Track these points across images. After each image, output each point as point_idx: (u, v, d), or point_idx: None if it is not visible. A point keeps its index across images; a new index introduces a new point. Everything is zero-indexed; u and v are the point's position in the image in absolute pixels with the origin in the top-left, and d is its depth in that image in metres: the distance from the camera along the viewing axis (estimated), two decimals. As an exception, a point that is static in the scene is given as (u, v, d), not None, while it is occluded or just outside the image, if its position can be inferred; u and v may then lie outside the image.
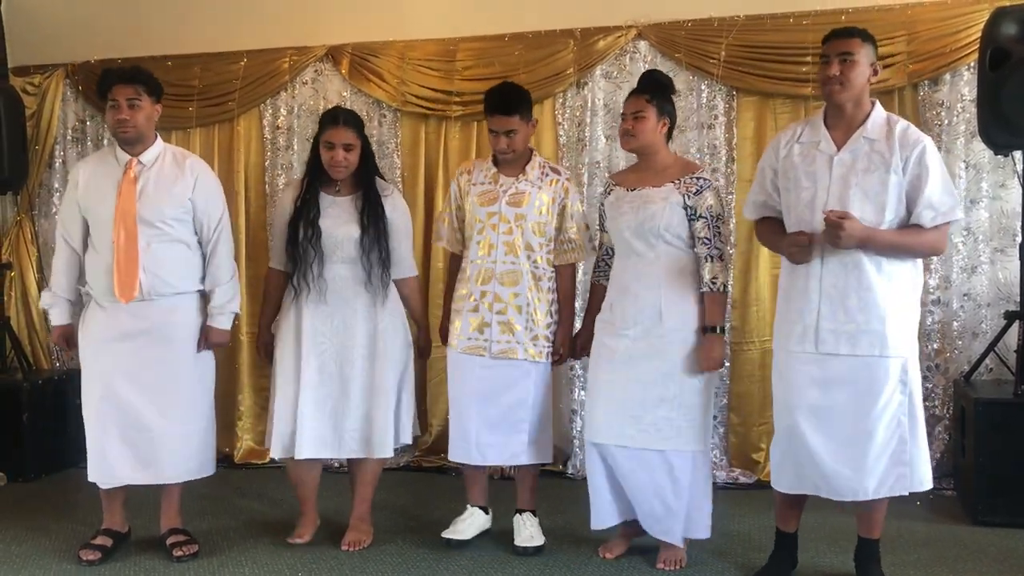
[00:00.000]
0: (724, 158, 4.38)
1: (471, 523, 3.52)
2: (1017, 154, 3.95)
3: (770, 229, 3.06)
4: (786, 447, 2.98)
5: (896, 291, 2.82)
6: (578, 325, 3.56)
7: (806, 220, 2.87)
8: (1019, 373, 3.75)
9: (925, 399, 4.18)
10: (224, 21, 4.93)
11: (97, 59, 4.91)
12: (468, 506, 3.57)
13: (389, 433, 3.46)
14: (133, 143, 3.33)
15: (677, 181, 3.18)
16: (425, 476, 4.39)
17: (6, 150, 4.64)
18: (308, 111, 4.74)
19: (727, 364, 4.37)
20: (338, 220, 3.40)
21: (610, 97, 4.48)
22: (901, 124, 2.85)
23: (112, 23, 5.03)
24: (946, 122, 4.16)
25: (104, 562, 3.38)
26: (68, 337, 3.45)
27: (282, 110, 4.84)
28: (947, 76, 4.16)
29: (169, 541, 3.46)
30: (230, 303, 3.45)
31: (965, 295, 4.19)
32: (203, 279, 3.43)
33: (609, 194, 3.33)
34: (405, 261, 3.54)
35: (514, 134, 3.34)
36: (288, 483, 3.67)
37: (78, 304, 3.46)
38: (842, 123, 2.88)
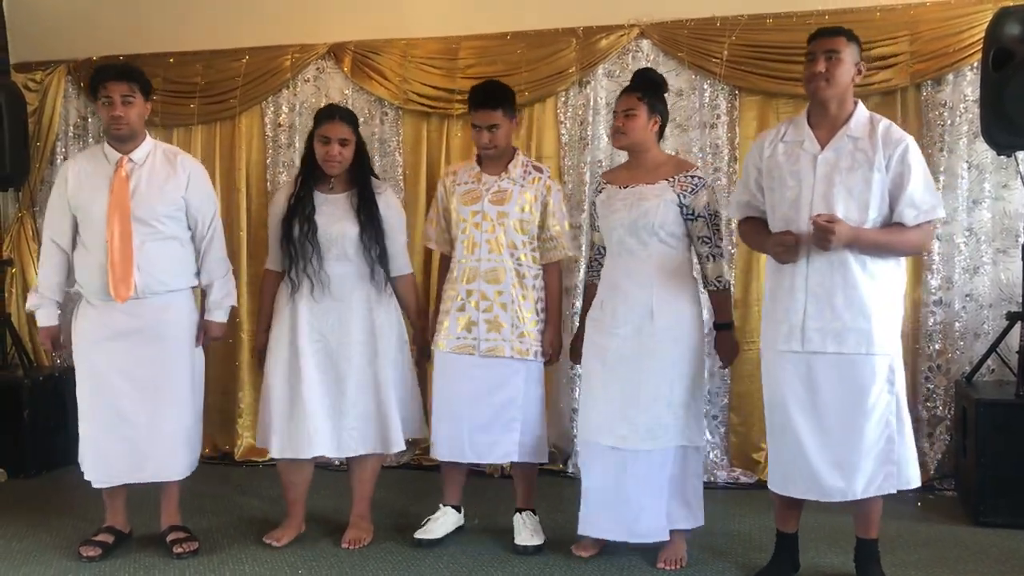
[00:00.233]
0: (727, 157, 4.38)
1: (443, 523, 3.54)
2: (1020, 154, 3.95)
3: (754, 229, 3.06)
4: (776, 447, 3.00)
5: (880, 289, 2.84)
6: (577, 324, 3.56)
7: (791, 219, 2.88)
8: (1021, 374, 3.75)
9: (927, 400, 4.22)
10: (226, 18, 4.93)
11: (99, 56, 4.91)
12: (440, 505, 3.58)
13: (398, 428, 3.46)
14: (126, 140, 3.33)
15: (671, 179, 3.19)
16: (425, 475, 4.38)
17: (8, 146, 4.64)
18: (310, 109, 4.72)
19: (728, 364, 4.37)
20: (332, 218, 3.40)
21: (612, 96, 4.46)
22: (884, 123, 2.87)
23: (114, 20, 5.03)
24: (949, 122, 4.15)
25: (104, 559, 3.39)
26: (55, 339, 3.44)
27: (284, 108, 4.83)
28: (950, 76, 4.15)
29: (169, 538, 3.46)
30: (227, 297, 3.49)
31: (967, 296, 4.18)
32: (195, 276, 3.44)
33: (600, 192, 3.33)
34: (399, 258, 3.53)
35: (496, 129, 3.37)
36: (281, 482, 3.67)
37: (64, 304, 3.46)
38: (826, 122, 2.90)
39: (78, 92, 5.07)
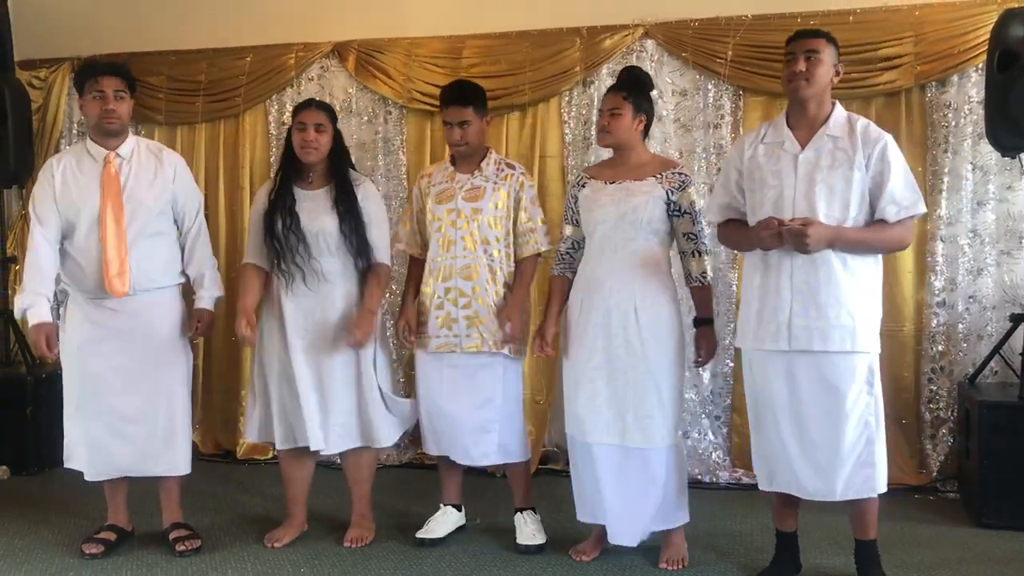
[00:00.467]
0: (730, 158, 4.37)
1: (443, 522, 3.55)
2: (1024, 156, 3.95)
3: (736, 228, 3.07)
4: (760, 444, 3.02)
5: (861, 287, 2.86)
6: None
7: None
8: (1024, 376, 3.75)
9: (930, 401, 4.22)
10: (230, 17, 4.94)
11: (103, 54, 4.90)
12: (441, 505, 3.59)
13: (384, 422, 3.46)
14: (117, 135, 3.35)
15: (659, 176, 3.20)
16: (427, 473, 4.38)
17: (12, 144, 4.65)
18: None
19: (730, 364, 4.38)
20: (312, 214, 3.41)
21: (616, 96, 4.47)
22: (862, 122, 2.90)
23: (118, 18, 5.05)
24: (953, 124, 4.15)
25: (107, 556, 3.39)
26: (50, 336, 3.28)
27: (288, 106, 4.82)
28: (955, 78, 4.15)
29: (172, 536, 3.46)
30: (217, 288, 3.55)
31: (971, 297, 4.18)
32: (182, 273, 3.47)
33: (583, 187, 3.32)
34: (379, 249, 3.51)
35: (467, 125, 3.40)
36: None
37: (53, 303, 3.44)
38: (805, 123, 2.92)
39: (82, 90, 5.07)
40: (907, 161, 4.07)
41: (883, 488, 2.89)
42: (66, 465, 3.40)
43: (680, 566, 3.24)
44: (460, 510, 3.63)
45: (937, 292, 4.19)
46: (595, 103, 4.48)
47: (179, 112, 4.93)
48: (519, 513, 3.50)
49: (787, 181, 2.87)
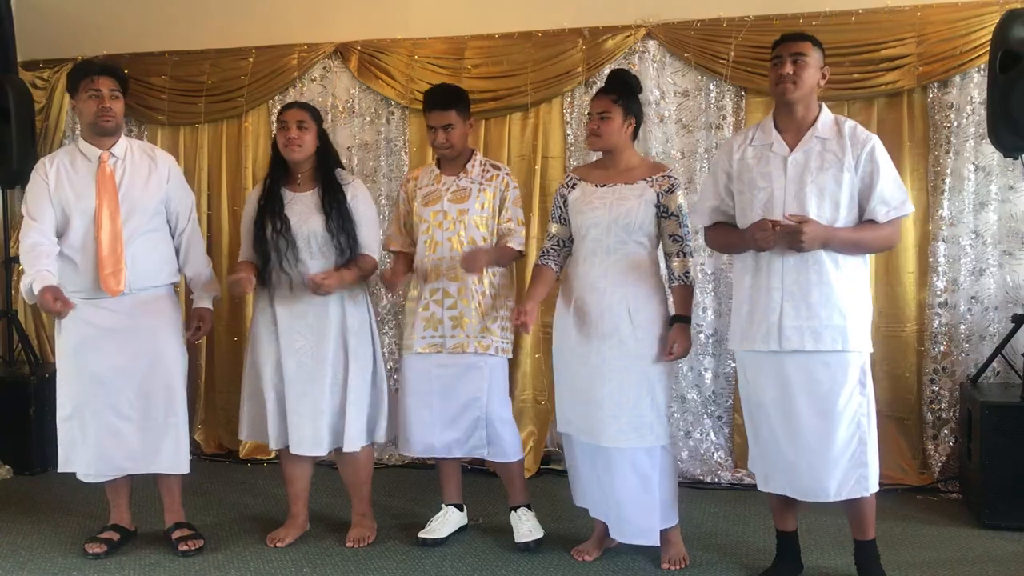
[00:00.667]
0: (732, 158, 4.37)
1: (445, 522, 3.56)
2: (1026, 157, 3.94)
3: (725, 230, 3.08)
4: (756, 445, 3.05)
5: (851, 287, 2.87)
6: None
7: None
8: (1026, 376, 3.75)
9: (932, 402, 4.22)
10: (233, 17, 4.94)
11: (106, 54, 4.91)
12: (443, 505, 3.60)
13: (360, 428, 3.46)
14: (112, 134, 3.36)
15: (649, 179, 3.21)
16: (429, 473, 4.38)
17: (15, 144, 4.65)
18: (317, 108, 4.72)
19: (732, 364, 4.37)
20: (301, 216, 3.42)
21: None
22: (849, 123, 2.92)
23: (121, 19, 5.05)
24: (955, 124, 4.15)
25: (110, 556, 3.40)
26: (58, 293, 3.17)
27: (290, 107, 4.84)
28: (957, 78, 4.14)
29: (175, 535, 3.47)
30: (214, 287, 3.60)
31: (973, 298, 4.18)
32: (176, 272, 3.49)
33: (573, 188, 3.32)
34: (367, 248, 3.51)
35: (451, 128, 3.42)
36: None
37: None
38: (792, 125, 2.94)
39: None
40: (909, 162, 4.17)
41: (876, 487, 2.90)
42: (61, 469, 3.38)
43: (682, 565, 3.25)
44: (462, 510, 3.64)
45: (939, 293, 4.19)
46: (597, 104, 4.48)
47: (182, 113, 4.94)
48: (514, 511, 3.51)
49: (777, 183, 2.89)
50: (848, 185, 2.84)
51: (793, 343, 2.86)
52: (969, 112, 4.13)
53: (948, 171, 4.15)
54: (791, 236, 2.77)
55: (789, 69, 2.87)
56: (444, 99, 3.44)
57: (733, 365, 4.36)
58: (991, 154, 4.07)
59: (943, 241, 4.17)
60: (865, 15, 4.18)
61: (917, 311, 4.23)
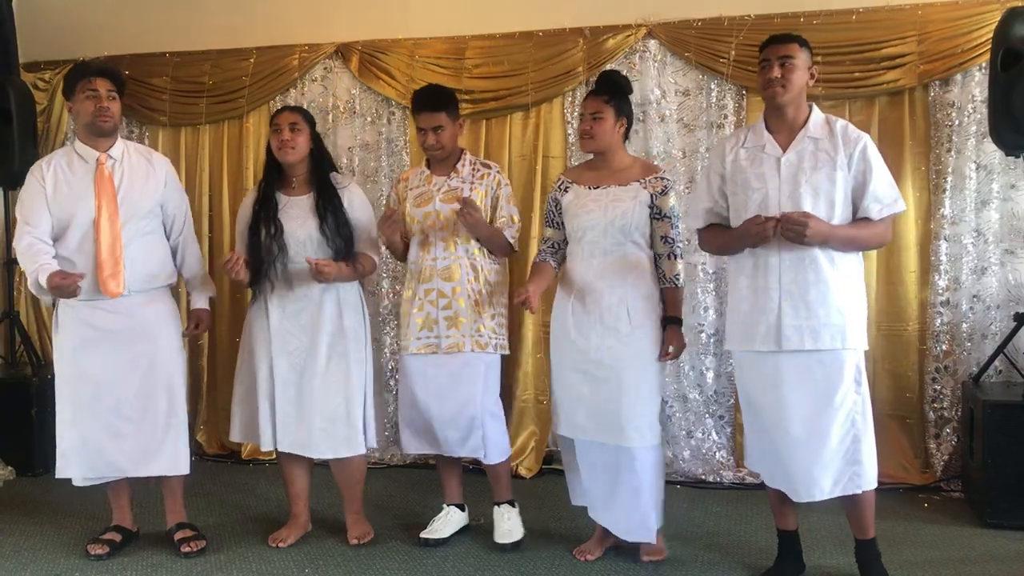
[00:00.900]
0: (733, 158, 4.37)
1: (447, 522, 3.56)
2: (1028, 155, 3.94)
3: (719, 233, 3.08)
4: (756, 443, 3.05)
5: (848, 285, 2.89)
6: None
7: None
8: (1028, 375, 3.75)
9: (934, 401, 4.21)
10: (234, 18, 4.94)
11: (107, 55, 4.91)
12: (444, 505, 3.61)
13: (360, 430, 3.47)
14: (109, 134, 3.37)
15: (643, 180, 3.22)
16: (431, 473, 4.38)
17: (17, 145, 4.65)
18: (318, 108, 4.74)
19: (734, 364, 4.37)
20: (296, 221, 3.43)
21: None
22: (840, 123, 2.94)
23: (122, 20, 5.05)
24: (957, 123, 4.14)
25: (112, 557, 3.40)
26: (63, 274, 3.14)
27: (291, 107, 4.85)
28: (958, 77, 4.14)
29: (177, 536, 3.47)
30: (210, 288, 3.63)
31: (974, 296, 4.17)
32: (173, 273, 3.50)
33: (566, 192, 3.32)
34: (367, 249, 3.52)
35: (441, 130, 3.42)
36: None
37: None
38: (784, 126, 2.95)
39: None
40: (911, 161, 4.17)
41: (873, 484, 2.90)
42: (58, 475, 3.37)
43: (660, 556, 3.28)
44: (463, 510, 3.64)
45: (941, 291, 4.19)
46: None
47: (183, 113, 4.94)
48: (497, 507, 3.53)
49: (771, 184, 2.90)
50: (842, 184, 2.85)
51: (792, 343, 2.86)
52: (970, 110, 4.12)
53: (950, 170, 4.15)
54: (794, 228, 2.77)
55: (777, 73, 2.88)
56: (433, 101, 3.44)
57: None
58: (992, 152, 4.07)
59: (945, 240, 4.17)
60: (866, 13, 4.17)
61: (919, 310, 4.23)
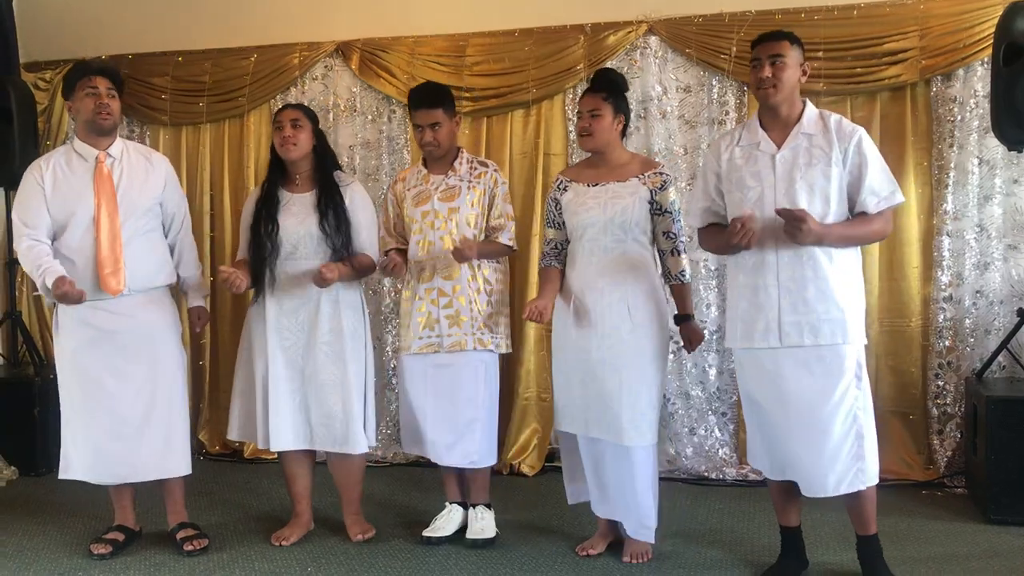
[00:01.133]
0: (735, 154, 4.36)
1: (449, 520, 3.56)
2: (1030, 150, 3.92)
3: (717, 233, 3.08)
4: (760, 439, 3.05)
5: (846, 280, 2.88)
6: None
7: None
8: (1031, 371, 3.74)
9: (937, 397, 4.20)
10: (234, 17, 4.94)
11: (108, 55, 4.91)
12: (447, 503, 3.61)
13: (360, 428, 3.46)
14: (109, 133, 3.37)
15: (641, 176, 3.22)
16: (433, 471, 4.37)
17: (18, 145, 4.64)
18: (318, 107, 4.72)
19: (736, 361, 4.37)
20: (298, 218, 3.43)
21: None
22: (834, 118, 2.93)
23: (123, 19, 5.05)
24: (959, 118, 4.13)
25: (114, 556, 3.40)
26: (69, 280, 3.13)
27: (292, 106, 4.84)
28: (960, 72, 4.13)
29: (179, 535, 3.47)
30: (204, 284, 3.66)
31: (977, 292, 4.17)
32: (172, 273, 3.50)
33: (565, 191, 3.32)
34: (367, 249, 3.52)
35: (438, 127, 3.42)
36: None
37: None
38: (777, 123, 2.95)
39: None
40: (913, 156, 4.16)
41: (874, 480, 2.90)
42: (62, 476, 3.37)
43: (644, 559, 3.26)
44: (465, 508, 3.63)
45: (944, 287, 4.18)
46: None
47: (183, 112, 4.94)
48: (472, 508, 3.53)
49: (767, 181, 2.90)
50: (837, 179, 2.84)
51: (792, 339, 2.86)
52: (973, 106, 4.11)
53: (952, 165, 4.14)
54: (794, 222, 2.75)
55: (768, 72, 2.88)
56: (430, 98, 3.44)
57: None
58: (995, 147, 4.06)
59: (947, 235, 4.16)
60: (867, 9, 4.17)
61: (922, 306, 4.22)
